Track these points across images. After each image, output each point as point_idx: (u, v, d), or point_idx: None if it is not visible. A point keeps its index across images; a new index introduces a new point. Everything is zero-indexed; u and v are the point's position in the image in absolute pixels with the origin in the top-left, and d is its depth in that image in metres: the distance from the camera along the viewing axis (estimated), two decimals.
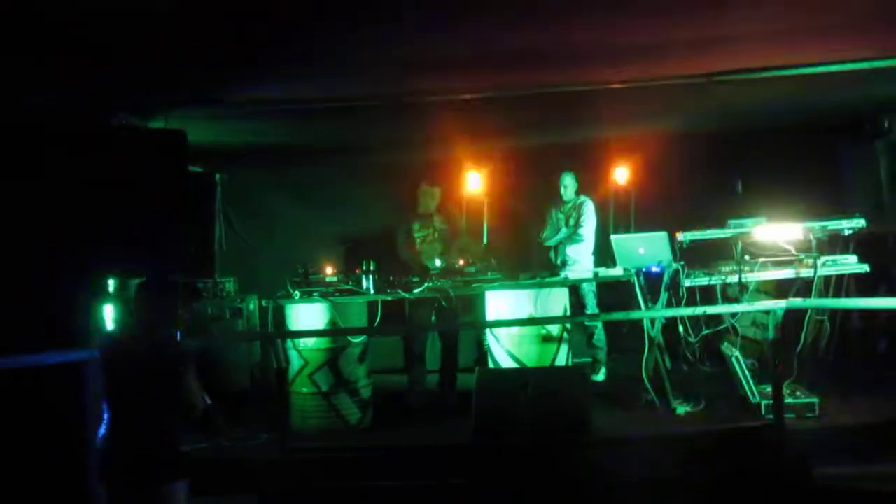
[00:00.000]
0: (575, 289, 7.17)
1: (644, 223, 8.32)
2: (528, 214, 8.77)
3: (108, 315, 5.70)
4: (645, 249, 6.16)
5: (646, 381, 6.02)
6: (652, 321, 6.13)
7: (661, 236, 6.10)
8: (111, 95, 5.08)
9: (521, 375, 5.63)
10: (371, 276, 6.25)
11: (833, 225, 6.06)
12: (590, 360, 7.36)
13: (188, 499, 3.70)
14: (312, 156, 8.36)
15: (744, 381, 5.84)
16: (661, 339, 6.16)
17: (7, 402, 4.59)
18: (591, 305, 7.43)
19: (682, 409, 5.84)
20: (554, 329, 6.19)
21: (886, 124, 7.26)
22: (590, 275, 6.92)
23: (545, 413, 5.28)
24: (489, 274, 6.42)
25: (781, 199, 6.55)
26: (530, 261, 7.95)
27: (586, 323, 7.40)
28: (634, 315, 6.32)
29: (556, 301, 6.29)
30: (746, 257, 6.08)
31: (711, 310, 5.92)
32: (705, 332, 6.23)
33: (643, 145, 8.86)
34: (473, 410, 5.49)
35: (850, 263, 6.04)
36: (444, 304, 6.40)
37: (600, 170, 9.15)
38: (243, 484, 5.27)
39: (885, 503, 4.76)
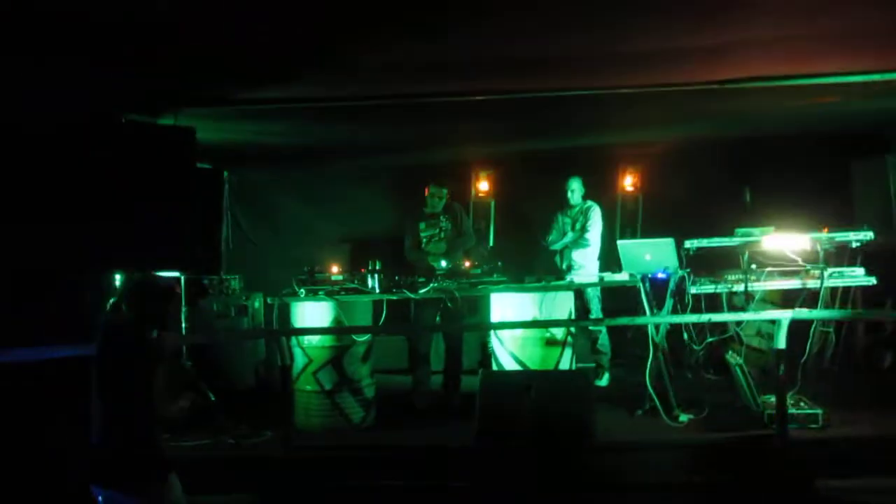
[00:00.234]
0: (580, 293, 7.17)
1: (651, 229, 8.31)
2: (535, 218, 8.78)
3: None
4: (651, 255, 6.16)
5: (649, 387, 6.01)
6: (657, 327, 6.12)
7: (667, 243, 6.09)
8: (121, 93, 5.10)
9: (525, 378, 5.63)
10: (376, 276, 6.25)
11: (841, 236, 6.05)
12: (593, 364, 7.35)
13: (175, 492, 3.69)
14: (320, 155, 8.37)
15: (747, 391, 5.82)
16: (665, 346, 6.15)
17: (14, 395, 4.61)
18: (596, 310, 7.43)
19: (684, 417, 5.83)
20: (558, 333, 6.18)
21: None
22: (595, 279, 6.91)
23: (548, 417, 5.28)
24: (495, 276, 6.42)
25: (789, 209, 6.54)
26: (536, 264, 7.95)
27: (591, 328, 7.39)
28: (639, 321, 6.31)
29: (561, 305, 6.29)
30: (753, 266, 6.07)
31: (716, 318, 5.91)
32: (710, 339, 6.22)
33: (652, 151, 8.87)
34: (477, 412, 5.49)
35: (857, 276, 6.02)
36: (449, 305, 6.40)
37: (608, 175, 9.16)
38: (246, 482, 5.28)
39: None
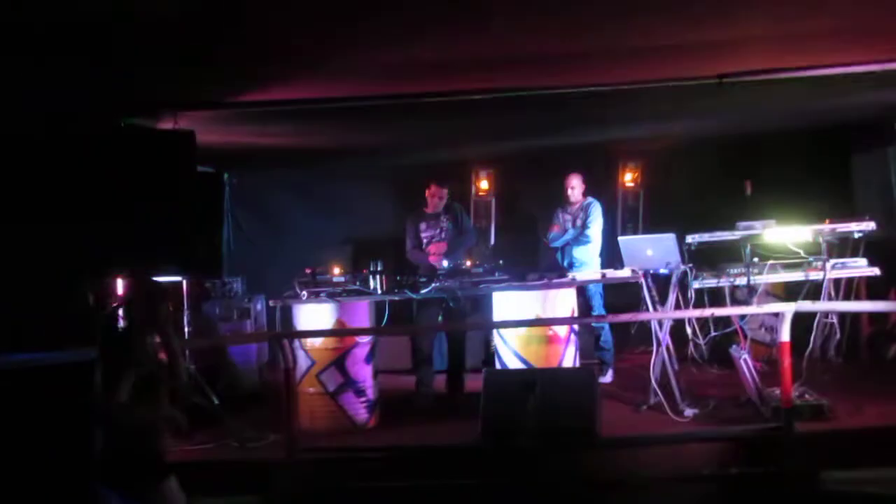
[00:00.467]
0: (582, 290, 7.16)
1: (652, 225, 8.32)
2: (536, 215, 8.78)
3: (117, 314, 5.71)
4: (653, 251, 6.15)
5: (653, 382, 6.00)
6: (660, 323, 6.11)
7: (669, 238, 6.08)
8: (120, 96, 5.10)
9: (529, 376, 5.62)
10: (378, 277, 6.25)
11: (843, 228, 6.03)
12: (597, 361, 7.34)
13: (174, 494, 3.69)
14: (321, 156, 8.37)
15: (752, 384, 5.81)
16: (668, 341, 6.14)
17: (19, 399, 4.61)
18: (599, 307, 7.42)
19: (689, 412, 5.82)
20: (561, 330, 6.18)
21: None
22: (597, 276, 6.91)
23: (553, 414, 5.27)
24: (496, 275, 6.42)
25: (791, 201, 6.53)
26: (537, 262, 7.95)
27: (593, 324, 7.39)
28: (642, 317, 6.30)
29: (564, 302, 6.29)
30: (755, 259, 6.06)
31: (719, 312, 5.90)
32: (713, 334, 6.21)
33: (652, 147, 8.86)
34: (481, 411, 5.48)
35: (859, 266, 6.01)
36: (451, 304, 6.40)
37: (609, 171, 9.16)
38: (251, 485, 5.27)
39: None
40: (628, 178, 9.22)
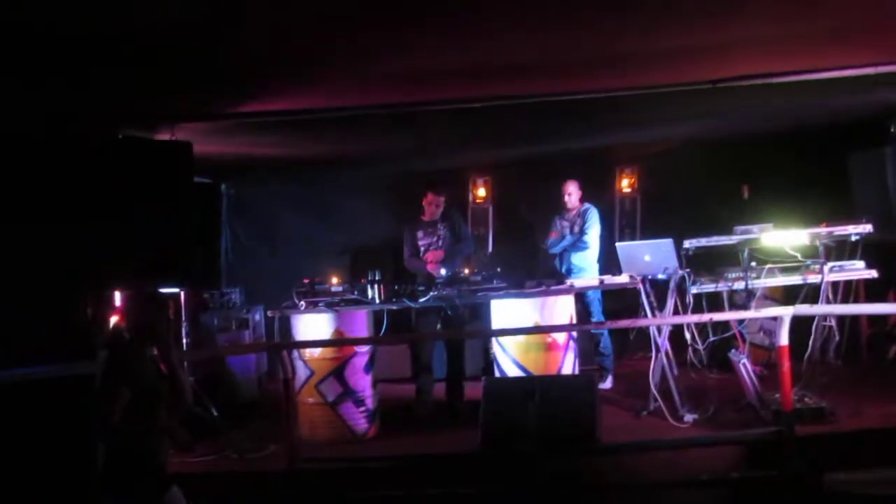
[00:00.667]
0: (581, 296, 7.15)
1: (650, 230, 8.32)
2: (534, 222, 8.78)
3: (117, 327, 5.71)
4: (651, 256, 6.15)
5: (653, 388, 6.00)
6: (659, 328, 6.11)
7: (666, 243, 6.09)
8: (118, 108, 5.11)
9: (528, 384, 5.62)
10: (376, 286, 6.25)
11: (840, 231, 6.04)
12: (596, 367, 7.34)
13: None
14: (318, 166, 8.38)
15: (752, 388, 5.81)
16: (667, 347, 6.13)
17: (16, 413, 4.59)
18: (597, 313, 7.41)
19: (689, 417, 5.81)
20: (560, 337, 6.17)
21: (894, 129, 7.24)
22: (595, 282, 6.91)
23: (553, 421, 5.26)
24: (494, 282, 6.42)
25: (788, 205, 6.54)
26: (535, 269, 7.95)
27: (592, 331, 7.38)
28: (641, 323, 6.30)
29: (562, 309, 6.29)
30: (753, 264, 6.06)
31: (718, 317, 5.90)
32: (712, 338, 6.21)
33: (648, 152, 8.88)
34: (481, 419, 5.48)
35: (857, 269, 6.01)
36: (449, 312, 6.39)
37: (606, 177, 9.17)
38: (251, 496, 5.26)
39: None
40: (625, 184, 9.24)
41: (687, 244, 6.15)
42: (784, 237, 6.07)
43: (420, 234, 7.09)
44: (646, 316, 6.17)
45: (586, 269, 7.44)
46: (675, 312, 6.05)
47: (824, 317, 6.23)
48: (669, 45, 4.62)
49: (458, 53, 4.57)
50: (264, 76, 4.76)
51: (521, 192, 9.17)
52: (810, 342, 6.01)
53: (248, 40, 4.06)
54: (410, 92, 5.41)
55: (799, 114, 7.09)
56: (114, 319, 5.40)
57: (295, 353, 6.00)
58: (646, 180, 9.15)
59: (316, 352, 6.10)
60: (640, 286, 6.16)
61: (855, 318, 7.06)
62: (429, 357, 6.90)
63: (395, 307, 6.29)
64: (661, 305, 6.15)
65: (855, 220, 6.14)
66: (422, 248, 7.07)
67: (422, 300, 6.26)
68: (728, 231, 6.21)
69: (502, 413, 5.44)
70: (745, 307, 6.11)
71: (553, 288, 6.33)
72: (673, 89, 5.44)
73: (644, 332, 6.49)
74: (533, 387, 5.45)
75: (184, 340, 7.01)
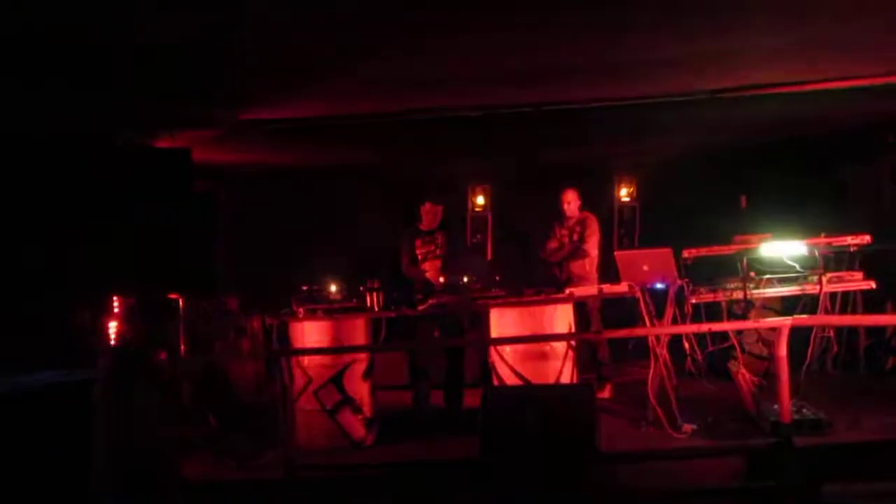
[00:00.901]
0: (579, 305, 7.15)
1: (648, 239, 8.33)
2: (533, 230, 8.79)
3: (112, 333, 5.70)
4: (649, 266, 6.15)
5: (651, 398, 5.99)
6: (657, 338, 6.10)
7: (665, 253, 6.09)
8: (117, 114, 5.11)
9: (527, 392, 5.61)
10: (375, 294, 6.24)
11: (838, 242, 6.05)
12: (595, 376, 7.33)
13: None
14: (317, 173, 8.39)
15: (750, 398, 5.80)
16: (666, 356, 6.13)
17: (13, 421, 4.58)
18: (596, 322, 7.41)
19: (688, 427, 5.80)
20: (559, 346, 6.17)
21: (891, 139, 7.27)
22: (594, 291, 6.90)
23: (551, 430, 5.25)
24: (493, 290, 6.41)
25: (786, 215, 6.55)
26: (534, 277, 7.94)
27: (591, 339, 7.37)
28: (639, 332, 6.30)
29: (561, 317, 6.28)
30: (751, 274, 6.07)
31: (716, 327, 5.90)
32: (711, 348, 6.20)
33: (647, 161, 8.90)
34: (479, 427, 5.46)
35: (855, 280, 6.02)
36: (448, 320, 6.39)
37: (605, 186, 9.19)
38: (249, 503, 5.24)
39: None
40: (624, 193, 9.25)
41: (686, 253, 6.15)
42: (782, 247, 6.07)
43: (418, 242, 7.09)
44: (644, 325, 6.17)
45: (585, 277, 7.44)
46: (674, 322, 6.05)
47: (823, 327, 6.23)
48: (668, 55, 4.63)
49: (458, 62, 4.58)
50: (264, 84, 4.77)
51: (520, 201, 9.19)
52: (809, 353, 6.01)
53: (247, 48, 4.07)
54: (410, 100, 5.42)
55: (797, 124, 7.11)
56: (113, 325, 5.41)
57: (293, 361, 5.99)
58: (644, 189, 9.17)
59: (314, 359, 6.08)
60: (639, 295, 6.16)
61: (853, 329, 7.06)
62: (426, 363, 6.89)
63: (393, 315, 6.28)
64: (660, 315, 6.14)
65: (853, 230, 6.15)
66: (419, 257, 7.07)
67: (420, 309, 6.26)
68: (726, 241, 6.22)
69: (501, 421, 5.42)
70: (743, 317, 6.11)
71: (552, 297, 6.33)
72: (672, 99, 5.46)
73: (642, 341, 6.48)
74: (532, 395, 5.44)
75: (182, 348, 6.99)
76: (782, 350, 5.21)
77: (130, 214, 4.89)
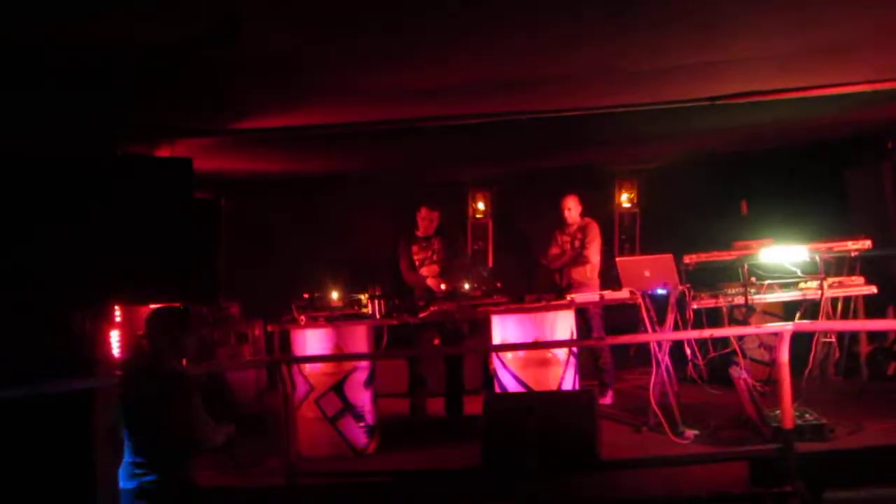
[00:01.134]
0: (581, 311, 7.15)
1: (649, 245, 8.33)
2: (533, 237, 8.79)
3: (115, 342, 5.70)
4: (651, 272, 6.15)
5: (653, 403, 5.99)
6: (659, 344, 6.10)
7: (666, 258, 6.09)
8: (118, 123, 5.12)
9: (529, 399, 5.61)
10: (376, 301, 6.25)
11: (839, 247, 6.05)
12: (596, 382, 7.32)
13: None
14: (318, 180, 8.40)
15: (752, 404, 5.80)
16: (667, 362, 6.13)
17: (16, 431, 4.58)
18: (598, 328, 7.40)
19: (689, 433, 5.80)
20: (560, 352, 6.17)
21: (891, 145, 7.28)
22: (595, 297, 6.90)
23: (553, 436, 5.25)
24: (494, 297, 6.41)
25: (787, 220, 6.55)
26: (535, 284, 7.95)
27: (592, 346, 7.37)
28: (641, 338, 6.30)
29: (562, 324, 6.28)
30: (752, 279, 6.07)
31: (718, 332, 5.90)
32: (712, 354, 6.20)
33: (648, 167, 8.91)
34: (481, 434, 5.46)
35: (857, 285, 6.02)
36: (448, 327, 6.39)
37: (606, 192, 9.20)
38: None
39: None
40: (625, 199, 9.26)
41: (687, 259, 6.15)
42: (783, 253, 6.08)
43: (415, 248, 7.10)
44: (646, 331, 6.17)
45: (586, 283, 7.43)
46: (675, 328, 6.05)
47: (824, 333, 6.23)
48: (668, 63, 4.64)
49: (458, 70, 4.59)
50: (262, 93, 4.78)
51: (521, 207, 9.19)
52: (810, 358, 6.00)
53: (247, 56, 4.08)
54: (410, 108, 5.43)
55: (797, 130, 7.12)
56: (115, 334, 5.42)
57: (294, 368, 6.00)
58: (645, 195, 9.17)
59: (316, 367, 6.09)
60: (640, 301, 6.16)
61: (854, 335, 7.06)
62: (424, 371, 6.89)
63: (395, 322, 6.29)
64: (661, 320, 6.14)
65: (854, 235, 6.15)
66: (417, 263, 7.08)
67: (421, 315, 6.26)
68: (727, 247, 6.23)
69: (503, 428, 5.42)
70: (744, 323, 6.11)
71: (553, 303, 6.33)
72: (673, 106, 5.47)
73: (644, 347, 6.48)
74: (533, 402, 5.44)
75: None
76: (784, 355, 5.21)
77: (132, 223, 4.90)
